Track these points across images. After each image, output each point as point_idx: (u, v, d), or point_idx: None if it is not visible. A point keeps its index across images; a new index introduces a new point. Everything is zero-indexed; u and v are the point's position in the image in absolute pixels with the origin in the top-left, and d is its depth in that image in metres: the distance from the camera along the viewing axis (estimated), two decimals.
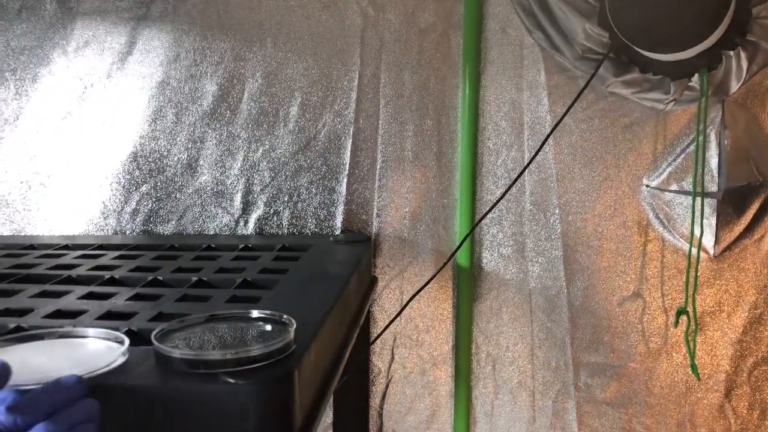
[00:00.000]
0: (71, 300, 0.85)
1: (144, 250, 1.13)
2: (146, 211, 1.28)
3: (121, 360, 0.63)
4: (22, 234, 1.30)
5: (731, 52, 1.07)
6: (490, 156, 1.27)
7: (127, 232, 1.29)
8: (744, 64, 1.08)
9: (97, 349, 0.66)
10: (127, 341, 0.65)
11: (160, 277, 0.95)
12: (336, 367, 0.83)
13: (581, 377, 1.29)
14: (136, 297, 0.86)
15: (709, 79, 1.08)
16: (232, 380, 0.60)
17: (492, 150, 1.27)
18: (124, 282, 0.94)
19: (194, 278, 0.94)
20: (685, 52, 1.02)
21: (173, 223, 1.29)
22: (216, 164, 1.27)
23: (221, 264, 1.02)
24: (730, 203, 1.19)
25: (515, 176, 1.23)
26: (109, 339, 0.67)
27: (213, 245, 1.17)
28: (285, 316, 0.69)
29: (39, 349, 0.66)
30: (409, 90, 1.26)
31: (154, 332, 0.65)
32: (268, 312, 0.71)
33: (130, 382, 0.60)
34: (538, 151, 1.18)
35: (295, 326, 0.67)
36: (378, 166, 1.27)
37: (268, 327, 0.69)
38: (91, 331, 0.69)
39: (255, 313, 0.71)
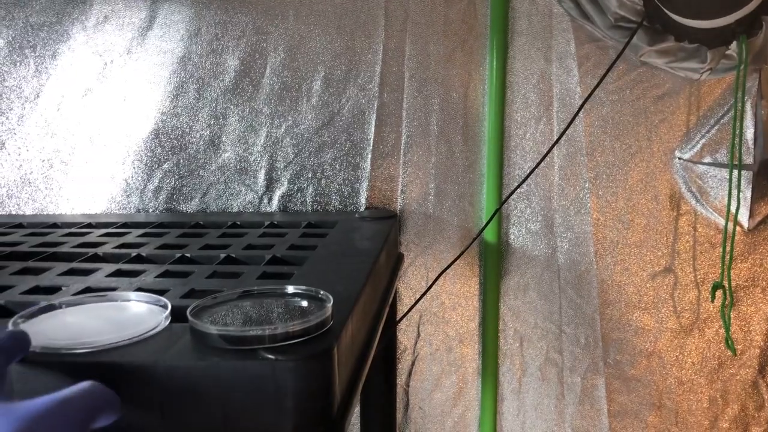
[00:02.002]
0: (100, 278, 0.84)
1: (168, 227, 1.12)
2: (169, 188, 1.27)
3: (164, 324, 0.63)
4: (45, 213, 1.29)
5: None
6: (518, 129, 1.24)
7: (150, 210, 1.28)
8: None
9: (140, 313, 0.66)
10: (169, 305, 0.65)
11: (188, 255, 0.93)
12: (370, 344, 0.82)
13: (610, 354, 1.27)
14: (165, 274, 0.85)
15: (748, 46, 1.05)
16: (271, 356, 0.58)
17: (520, 123, 1.24)
18: (152, 259, 0.93)
19: (222, 255, 0.92)
20: (723, 18, 0.98)
21: (196, 200, 1.27)
22: (239, 141, 1.25)
23: (248, 241, 1.01)
24: (766, 176, 1.16)
25: (544, 150, 1.20)
26: (151, 303, 0.67)
27: (238, 222, 1.15)
28: (322, 292, 0.68)
29: (82, 313, 0.67)
30: (434, 62, 1.23)
31: (189, 308, 0.64)
32: (303, 287, 0.70)
33: (167, 360, 0.58)
34: (569, 124, 1.15)
35: (332, 302, 0.65)
36: (403, 142, 1.25)
37: (305, 303, 0.68)
38: (133, 294, 0.70)
39: (290, 289, 0.70)
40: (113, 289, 0.77)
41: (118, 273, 0.86)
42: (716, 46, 1.05)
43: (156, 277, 0.84)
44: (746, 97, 1.14)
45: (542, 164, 1.22)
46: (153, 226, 1.13)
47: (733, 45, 1.05)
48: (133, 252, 0.95)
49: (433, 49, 1.22)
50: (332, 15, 1.21)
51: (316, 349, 0.60)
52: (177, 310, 0.69)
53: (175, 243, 1.01)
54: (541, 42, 1.21)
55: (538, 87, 1.22)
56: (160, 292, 0.76)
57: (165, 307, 0.66)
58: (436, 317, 1.30)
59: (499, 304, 1.28)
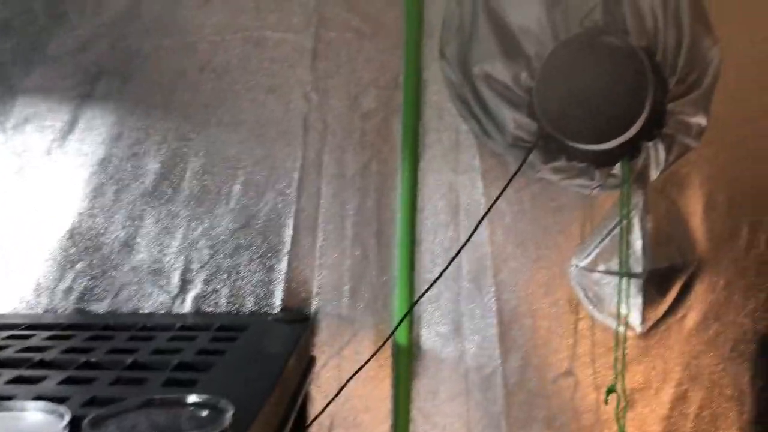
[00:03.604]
0: None
1: (77, 329, 1.11)
2: (80, 288, 1.26)
3: None
4: None
5: (650, 143, 1.16)
6: (428, 235, 1.31)
7: (60, 310, 1.26)
8: (662, 154, 1.16)
9: (36, 423, 0.65)
10: (68, 415, 0.64)
11: (94, 359, 0.93)
12: None
13: None
14: (68, 380, 0.84)
15: (631, 167, 1.16)
16: None
17: (430, 229, 1.31)
18: (56, 364, 0.92)
19: (129, 360, 0.92)
20: (608, 143, 1.09)
21: (108, 301, 1.26)
22: (154, 242, 1.27)
23: (157, 345, 1.01)
24: (655, 284, 1.25)
25: (452, 255, 1.26)
26: (49, 412, 0.66)
27: (149, 324, 1.15)
28: (222, 401, 0.69)
29: None
30: (351, 171, 1.29)
31: (86, 419, 0.64)
32: (204, 396, 0.71)
33: None
34: (474, 232, 1.22)
35: (231, 412, 0.67)
36: (318, 245, 1.29)
37: (205, 412, 0.69)
38: (30, 403, 0.68)
39: (191, 398, 0.71)
40: (10, 398, 0.76)
41: (18, 380, 0.84)
42: (603, 166, 1.16)
43: (58, 383, 0.83)
44: (634, 212, 1.24)
45: (451, 269, 1.28)
46: (60, 328, 1.11)
47: (618, 166, 1.16)
48: (37, 356, 0.94)
49: (349, 159, 1.29)
50: (254, 124, 1.27)
51: None
52: (76, 419, 0.69)
53: (81, 347, 1.00)
54: (450, 155, 1.29)
55: (447, 196, 1.30)
56: (61, 400, 0.76)
57: (63, 416, 0.66)
58: (347, 421, 1.30)
59: (410, 407, 1.30)
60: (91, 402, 0.76)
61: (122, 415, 0.67)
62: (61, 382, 0.83)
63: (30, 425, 0.66)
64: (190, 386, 0.81)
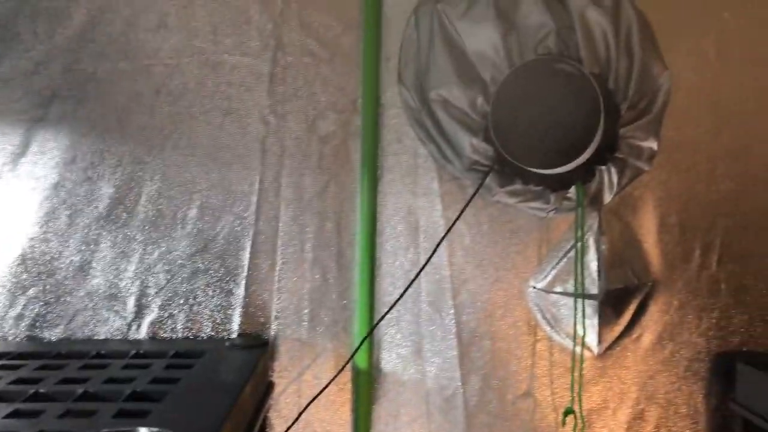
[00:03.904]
0: None
1: (27, 358, 1.08)
2: (32, 315, 1.23)
3: None
4: None
5: (603, 167, 1.18)
6: (388, 258, 1.31)
7: (10, 338, 1.23)
8: (615, 177, 1.19)
9: None
10: None
11: (43, 390, 0.91)
12: None
13: None
14: (15, 414, 0.82)
15: (584, 191, 1.18)
16: None
17: (390, 252, 1.31)
18: (3, 397, 0.89)
19: (80, 390, 0.90)
20: (561, 167, 1.11)
21: (61, 327, 1.24)
22: (109, 267, 1.25)
23: (110, 373, 0.99)
24: (610, 305, 1.27)
25: (412, 277, 1.26)
26: None
27: (103, 352, 1.13)
28: None
29: None
30: (309, 194, 1.29)
31: None
32: (155, 429, 0.70)
33: None
34: (433, 253, 1.23)
35: None
36: (277, 268, 1.28)
37: None
38: None
39: (142, 431, 0.70)
40: None
41: None
42: (558, 189, 1.18)
43: (5, 417, 0.81)
44: (589, 234, 1.26)
45: (411, 291, 1.28)
46: (9, 357, 1.09)
47: (573, 189, 1.18)
48: None
49: (308, 182, 1.29)
50: (210, 147, 1.26)
51: None
52: None
53: (31, 377, 0.98)
54: (408, 178, 1.30)
55: (406, 219, 1.30)
56: None
57: None
58: None
59: (370, 431, 1.30)
60: None
61: None
62: (8, 416, 0.81)
63: None
64: (142, 417, 0.80)
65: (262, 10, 1.26)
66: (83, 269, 1.24)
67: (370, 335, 1.27)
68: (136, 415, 0.81)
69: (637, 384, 1.30)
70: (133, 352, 1.13)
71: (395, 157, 1.30)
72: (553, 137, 1.10)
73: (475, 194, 1.18)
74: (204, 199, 1.27)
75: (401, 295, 1.25)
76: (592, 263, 1.26)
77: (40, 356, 1.09)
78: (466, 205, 1.20)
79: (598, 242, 1.25)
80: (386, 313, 1.26)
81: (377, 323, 1.27)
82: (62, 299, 1.24)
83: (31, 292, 1.23)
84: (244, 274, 1.28)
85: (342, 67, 1.28)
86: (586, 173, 1.17)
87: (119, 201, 1.25)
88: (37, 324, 1.23)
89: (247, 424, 0.98)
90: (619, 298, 1.27)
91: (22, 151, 1.23)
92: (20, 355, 1.10)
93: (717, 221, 1.29)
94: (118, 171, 1.25)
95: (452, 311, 1.30)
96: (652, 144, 1.18)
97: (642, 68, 1.15)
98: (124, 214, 1.25)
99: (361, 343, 1.25)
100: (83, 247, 1.24)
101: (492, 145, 1.16)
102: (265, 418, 1.24)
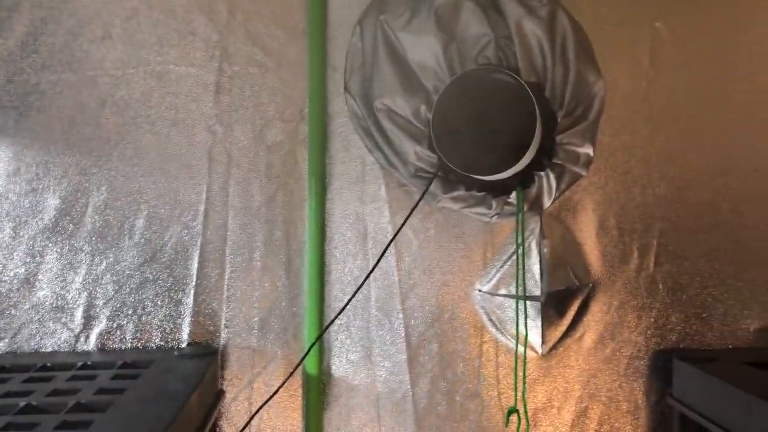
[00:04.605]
0: None
1: None
2: None
3: None
4: None
5: (542, 173, 1.22)
6: (337, 265, 1.33)
7: None
8: (553, 183, 1.23)
9: None
10: None
11: None
12: None
13: None
14: None
15: (524, 196, 1.21)
16: None
17: (339, 259, 1.33)
18: None
19: (22, 403, 0.90)
20: (500, 174, 1.14)
21: (6, 341, 1.23)
22: (56, 278, 1.24)
23: (55, 385, 0.99)
24: (553, 305, 1.31)
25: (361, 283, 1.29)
26: None
27: (49, 364, 1.12)
28: None
29: None
30: (257, 203, 1.30)
31: None
32: None
33: None
34: (380, 259, 1.25)
35: None
36: (226, 277, 1.29)
37: None
38: None
39: None
40: None
41: None
42: (499, 195, 1.21)
43: None
44: (531, 237, 1.30)
45: (360, 297, 1.31)
46: None
47: (513, 195, 1.21)
48: None
49: (255, 191, 1.30)
50: (156, 157, 1.27)
51: None
52: None
53: None
54: (356, 186, 1.32)
55: (355, 226, 1.32)
56: None
57: None
58: None
59: None
60: None
61: None
62: None
63: None
64: (84, 428, 0.80)
65: (207, 20, 1.27)
66: (29, 281, 1.24)
67: (318, 340, 1.29)
68: (78, 427, 0.81)
69: (580, 382, 1.34)
70: (80, 363, 1.12)
71: (343, 166, 1.32)
72: (493, 144, 1.13)
73: (420, 200, 1.20)
74: (151, 209, 1.27)
75: (349, 300, 1.26)
76: (535, 266, 1.30)
77: None
78: (412, 211, 1.22)
79: (539, 245, 1.29)
80: (335, 318, 1.28)
81: (326, 328, 1.28)
82: (7, 312, 1.23)
83: None
84: (193, 283, 1.28)
85: (289, 77, 1.30)
86: (525, 179, 1.20)
87: (65, 212, 1.24)
88: None
89: (194, 430, 0.99)
90: (562, 299, 1.31)
91: None
92: None
93: (653, 224, 1.33)
94: (63, 182, 1.24)
95: (401, 315, 1.32)
96: (589, 150, 1.23)
97: (577, 76, 1.19)
98: (71, 225, 1.25)
99: (310, 348, 1.27)
100: (28, 259, 1.24)
101: (435, 153, 1.19)
102: (216, 427, 1.25)
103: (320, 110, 1.30)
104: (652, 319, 1.35)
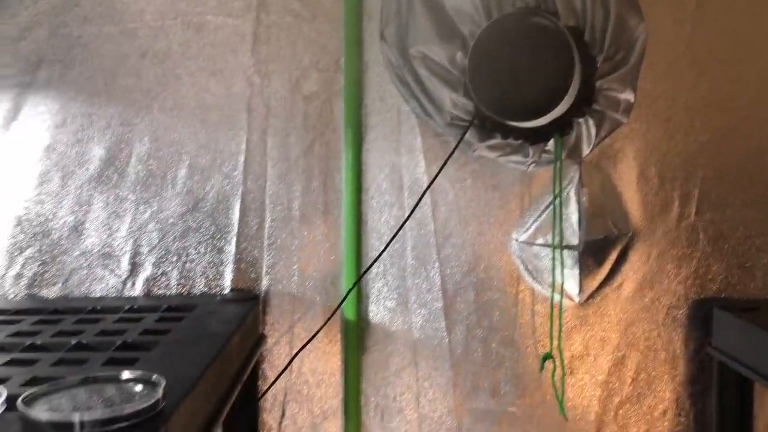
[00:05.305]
0: None
1: (25, 314, 1.13)
2: (30, 274, 1.27)
3: None
4: None
5: (581, 120, 1.20)
6: (373, 214, 1.34)
7: (11, 296, 1.27)
8: (593, 130, 1.21)
9: None
10: (4, 392, 0.67)
11: (39, 342, 0.95)
12: (213, 422, 0.86)
13: (464, 423, 1.35)
14: (11, 362, 0.87)
15: (562, 143, 1.20)
16: None
17: (375, 209, 1.34)
18: (1, 348, 0.94)
19: (73, 341, 0.95)
20: (538, 120, 1.13)
21: (59, 286, 1.28)
22: (103, 226, 1.29)
23: (103, 326, 1.04)
24: (591, 255, 1.30)
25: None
26: None
27: (98, 307, 1.17)
28: (155, 376, 0.72)
29: None
30: (295, 153, 1.32)
31: (21, 397, 0.67)
32: (138, 372, 0.74)
33: None
34: (414, 208, 1.26)
35: (163, 385, 0.70)
36: (267, 226, 1.32)
37: (139, 387, 0.72)
38: None
39: (125, 374, 0.74)
40: None
41: None
42: (536, 143, 1.20)
43: (1, 365, 0.85)
44: (569, 186, 1.29)
45: (396, 246, 1.32)
46: (9, 314, 1.13)
47: (551, 142, 1.20)
48: None
49: (293, 141, 1.32)
50: (196, 109, 1.29)
51: (144, 431, 0.64)
52: (14, 398, 0.72)
53: (28, 330, 1.02)
54: (392, 136, 1.33)
55: (390, 176, 1.33)
56: (1, 381, 0.78)
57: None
58: (301, 395, 1.34)
59: (360, 379, 1.35)
60: (31, 382, 0.78)
61: (56, 392, 0.70)
62: (4, 364, 0.85)
63: None
64: (130, 364, 0.84)
65: None
66: (77, 229, 1.28)
67: (356, 288, 1.31)
68: (124, 363, 0.85)
69: (617, 331, 1.34)
70: (127, 307, 1.17)
71: (379, 115, 1.32)
72: (530, 90, 1.12)
73: (455, 149, 1.20)
74: (193, 159, 1.30)
75: (385, 248, 1.29)
76: (573, 215, 1.29)
77: (38, 312, 1.14)
78: (447, 160, 1.22)
79: (578, 194, 1.28)
80: (371, 265, 1.30)
81: (362, 275, 1.31)
82: (58, 259, 1.28)
83: (27, 252, 1.27)
84: (235, 231, 1.31)
85: (324, 26, 1.30)
86: (563, 126, 1.19)
87: (110, 162, 1.28)
88: (36, 283, 1.28)
89: (234, 372, 1.02)
90: (600, 249, 1.30)
91: (13, 115, 1.26)
92: (19, 312, 1.15)
93: (696, 171, 1.31)
94: (107, 133, 1.28)
95: (437, 264, 1.34)
96: (629, 96, 1.20)
97: (618, 20, 1.16)
98: (115, 175, 1.29)
99: (347, 294, 1.29)
100: (76, 208, 1.28)
101: (471, 100, 1.18)
102: (258, 369, 1.29)
103: (356, 59, 1.30)
104: (693, 269, 1.33)
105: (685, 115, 1.30)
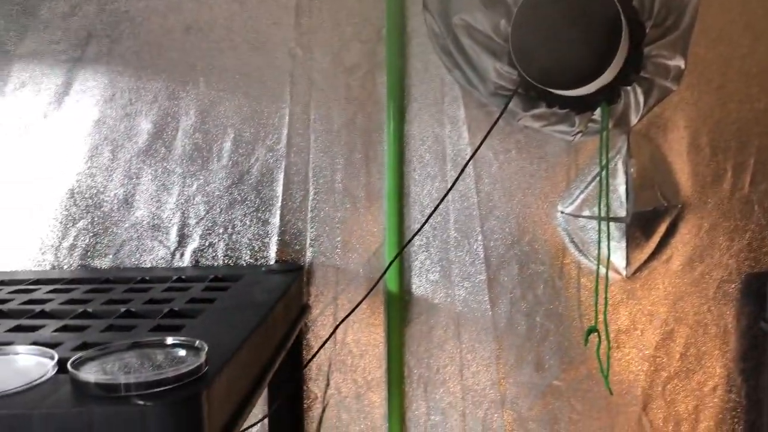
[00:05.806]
0: None
1: (79, 284, 1.16)
2: (83, 245, 1.32)
3: (51, 373, 0.68)
4: None
5: (629, 88, 1.17)
6: (416, 187, 1.34)
7: (65, 266, 1.32)
8: (641, 98, 1.17)
9: (27, 365, 0.71)
10: (56, 357, 0.70)
11: (90, 309, 0.98)
12: (257, 388, 0.88)
13: (508, 396, 1.35)
14: (63, 328, 0.90)
15: (609, 112, 1.17)
16: (141, 402, 0.64)
17: (417, 181, 1.33)
18: (54, 315, 0.97)
19: (122, 309, 0.98)
20: (584, 88, 1.10)
21: (110, 257, 1.32)
22: (152, 199, 1.32)
23: (152, 295, 1.06)
24: (639, 227, 1.27)
25: (441, 206, 1.29)
26: (39, 355, 0.73)
27: (148, 278, 1.20)
28: (198, 342, 0.74)
29: None
30: (337, 125, 1.32)
31: (70, 360, 0.69)
32: (182, 338, 0.76)
33: (44, 409, 0.63)
34: (457, 179, 1.25)
35: (206, 350, 0.72)
36: (310, 198, 1.33)
37: (183, 352, 0.74)
38: (22, 348, 0.75)
39: (170, 340, 0.76)
40: (8, 344, 0.82)
41: (17, 328, 0.90)
42: (582, 111, 1.17)
43: (54, 331, 0.89)
44: (617, 157, 1.26)
45: (439, 218, 1.32)
46: (63, 283, 1.17)
47: (598, 111, 1.17)
48: (38, 308, 0.99)
49: (335, 114, 1.32)
50: (240, 82, 1.30)
51: (185, 394, 0.66)
52: (66, 361, 0.74)
53: (80, 298, 1.06)
54: (435, 107, 1.31)
55: (433, 148, 1.32)
56: (54, 345, 0.81)
57: (52, 358, 0.71)
58: (345, 365, 1.36)
59: (403, 351, 1.36)
60: (82, 347, 0.81)
61: (105, 356, 0.73)
62: (57, 330, 0.89)
63: (22, 367, 0.72)
64: (176, 331, 0.86)
65: None
66: (127, 202, 1.32)
67: (399, 259, 1.31)
68: (171, 329, 0.87)
69: (666, 305, 1.31)
70: (175, 277, 1.20)
71: (421, 86, 1.31)
72: (576, 57, 1.09)
73: (499, 118, 1.18)
74: (237, 133, 1.31)
75: (426, 219, 1.28)
76: (621, 186, 1.26)
77: (90, 282, 1.18)
78: (490, 130, 1.20)
79: (626, 165, 1.25)
80: (413, 237, 1.30)
81: (405, 246, 1.31)
82: (110, 230, 1.32)
83: (80, 224, 1.31)
84: (279, 204, 1.33)
85: None
86: (611, 94, 1.16)
87: (158, 135, 1.31)
88: (89, 253, 1.32)
89: (278, 340, 1.04)
90: (648, 221, 1.27)
91: (65, 90, 1.30)
92: (72, 281, 1.19)
93: (750, 141, 1.26)
94: (154, 107, 1.30)
95: (480, 237, 1.33)
96: (680, 62, 1.16)
97: None
98: (163, 149, 1.31)
99: (389, 265, 1.29)
100: (126, 181, 1.31)
101: (515, 68, 1.16)
102: (302, 338, 1.31)
103: (398, 30, 1.29)
104: (746, 242, 1.29)
105: (740, 81, 1.25)
